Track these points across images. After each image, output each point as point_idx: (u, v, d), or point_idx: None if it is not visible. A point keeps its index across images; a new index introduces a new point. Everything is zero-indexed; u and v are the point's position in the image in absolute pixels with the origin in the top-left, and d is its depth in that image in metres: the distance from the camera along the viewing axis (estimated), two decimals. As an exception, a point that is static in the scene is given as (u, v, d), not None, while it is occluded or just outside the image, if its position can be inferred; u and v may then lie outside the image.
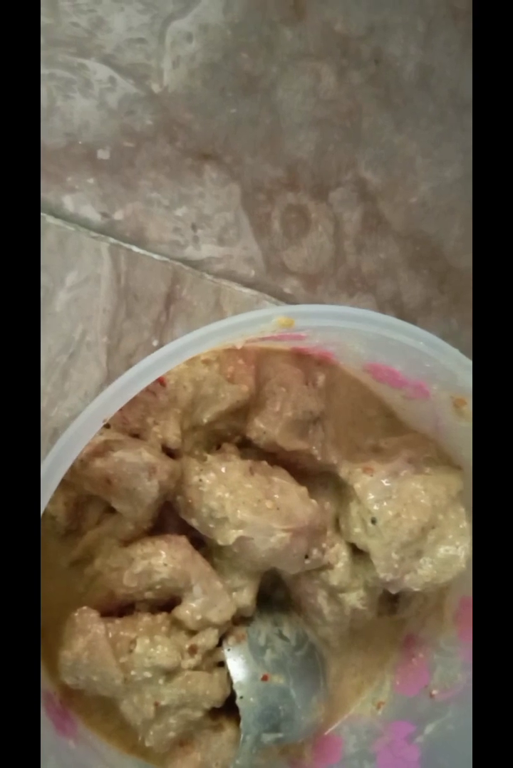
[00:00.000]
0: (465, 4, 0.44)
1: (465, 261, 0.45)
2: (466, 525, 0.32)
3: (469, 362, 0.28)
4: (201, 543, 0.31)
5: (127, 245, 0.36)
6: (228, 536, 0.29)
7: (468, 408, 0.31)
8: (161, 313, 0.36)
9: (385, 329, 0.27)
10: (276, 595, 0.34)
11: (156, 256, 0.36)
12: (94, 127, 0.35)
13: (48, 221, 0.35)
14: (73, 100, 0.35)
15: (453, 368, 0.28)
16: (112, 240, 0.36)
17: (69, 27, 0.35)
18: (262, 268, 0.39)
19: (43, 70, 0.35)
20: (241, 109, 0.38)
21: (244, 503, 0.29)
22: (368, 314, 0.26)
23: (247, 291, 0.38)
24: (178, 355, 0.23)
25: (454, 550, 0.32)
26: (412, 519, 0.31)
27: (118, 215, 0.36)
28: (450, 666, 0.36)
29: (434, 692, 0.36)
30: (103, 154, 0.36)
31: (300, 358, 0.34)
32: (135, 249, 0.36)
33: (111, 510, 0.30)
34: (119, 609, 0.31)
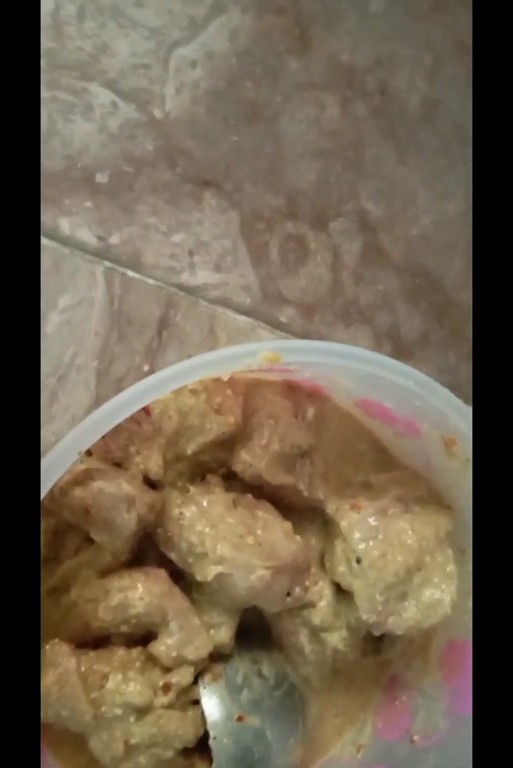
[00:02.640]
0: (471, 40, 0.44)
1: (465, 295, 0.44)
2: (452, 568, 0.32)
3: (460, 402, 0.28)
4: (180, 577, 0.31)
5: (122, 269, 0.36)
6: (207, 572, 0.28)
7: (458, 448, 0.30)
8: (153, 338, 0.36)
9: (374, 367, 0.26)
10: (256, 632, 0.34)
11: (151, 281, 0.36)
12: (94, 150, 0.36)
13: (44, 243, 0.35)
14: (74, 123, 0.35)
15: (443, 408, 0.28)
16: (107, 263, 0.35)
17: (73, 51, 0.35)
18: (258, 297, 0.39)
19: (45, 93, 0.35)
20: (244, 137, 0.38)
21: (225, 538, 0.28)
22: (357, 351, 0.26)
23: (242, 318, 0.38)
24: (158, 388, 0.22)
25: (439, 594, 0.31)
26: (397, 560, 0.31)
27: (114, 239, 0.36)
28: (433, 711, 0.35)
29: (415, 737, 0.35)
30: (101, 178, 0.36)
31: (291, 389, 0.33)
32: (130, 273, 0.36)
33: (90, 540, 0.30)
34: (95, 641, 0.30)
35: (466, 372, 0.44)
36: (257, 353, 0.24)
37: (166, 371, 0.23)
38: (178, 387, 0.23)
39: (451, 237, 0.44)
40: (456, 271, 0.44)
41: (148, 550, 0.31)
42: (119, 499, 0.27)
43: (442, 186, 0.44)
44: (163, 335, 0.36)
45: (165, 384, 0.23)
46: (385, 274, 0.42)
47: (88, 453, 0.29)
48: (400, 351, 0.44)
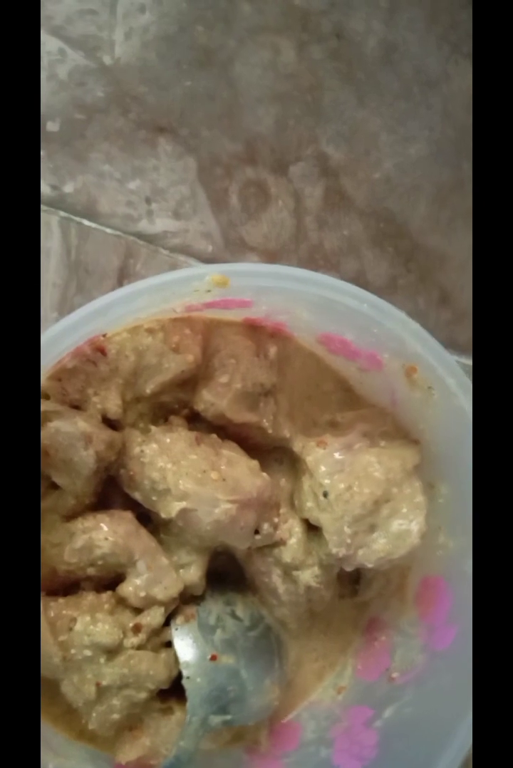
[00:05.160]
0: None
1: (432, 240, 0.44)
2: (420, 499, 0.32)
3: (416, 325, 0.28)
4: (148, 520, 0.31)
5: (77, 218, 0.35)
6: (170, 508, 0.28)
7: (419, 376, 0.30)
8: (114, 288, 0.35)
9: (326, 290, 0.26)
10: (230, 577, 0.34)
11: (108, 230, 0.36)
12: (44, 99, 0.35)
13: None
14: (22, 70, 0.34)
15: (400, 333, 0.28)
16: (62, 213, 0.35)
17: (18, -3, 0.35)
18: (220, 244, 0.38)
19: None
20: (198, 82, 0.38)
21: (188, 474, 0.28)
22: (308, 274, 0.26)
23: (204, 266, 0.38)
24: (102, 312, 0.22)
25: (407, 524, 0.31)
26: (364, 492, 0.31)
27: (68, 188, 0.35)
28: (410, 648, 0.35)
29: (394, 675, 0.35)
30: (52, 127, 0.35)
31: (252, 330, 0.33)
32: (86, 222, 0.35)
33: (54, 486, 0.29)
34: (64, 588, 0.30)
35: (435, 317, 0.44)
36: (204, 276, 0.24)
37: (110, 295, 0.22)
38: (125, 312, 0.23)
39: (414, 181, 0.44)
40: (421, 216, 0.44)
41: (113, 495, 0.31)
42: (76, 438, 0.27)
43: (405, 129, 0.44)
44: (123, 285, 0.36)
45: (110, 307, 0.22)
46: (349, 219, 0.42)
47: (46, 396, 0.28)
48: (368, 297, 0.44)
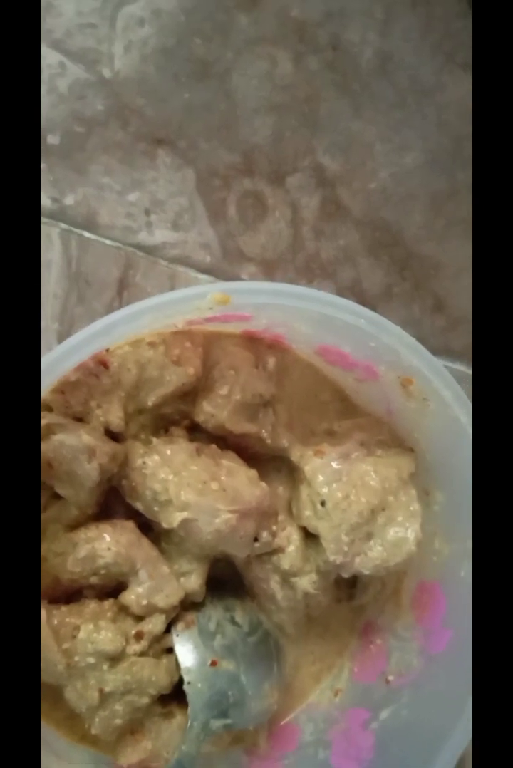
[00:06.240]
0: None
1: (426, 248, 0.45)
2: (416, 507, 0.32)
3: (412, 339, 0.28)
4: (149, 529, 0.31)
5: (78, 230, 0.36)
6: (172, 519, 0.29)
7: (415, 387, 0.30)
8: (114, 299, 0.36)
9: (325, 307, 0.27)
10: (229, 583, 0.34)
11: (108, 242, 0.36)
12: (44, 112, 0.35)
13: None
14: (22, 84, 0.35)
15: (396, 346, 0.28)
16: (62, 225, 0.35)
17: (18, 11, 0.35)
18: (218, 254, 0.39)
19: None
20: (196, 94, 0.38)
21: (189, 485, 0.29)
22: (307, 291, 0.26)
23: (203, 277, 0.38)
24: (106, 332, 0.23)
25: (403, 532, 0.32)
26: (361, 501, 0.31)
27: (68, 200, 0.35)
28: (406, 651, 0.36)
29: (390, 678, 0.36)
30: (53, 140, 0.35)
31: (251, 341, 0.34)
32: (86, 234, 0.36)
33: (57, 496, 0.30)
34: (66, 596, 0.31)
35: (429, 324, 0.45)
36: (206, 295, 0.24)
37: (113, 315, 0.23)
38: (129, 331, 0.23)
39: (409, 190, 0.44)
40: (416, 224, 0.44)
41: (115, 504, 0.31)
42: (80, 450, 0.27)
43: (400, 139, 0.44)
44: (123, 296, 0.36)
45: (113, 326, 0.23)
46: (345, 229, 0.42)
47: (49, 409, 0.29)
48: (364, 305, 0.44)
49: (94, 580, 0.29)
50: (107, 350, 0.28)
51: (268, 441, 0.32)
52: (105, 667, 0.29)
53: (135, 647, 0.29)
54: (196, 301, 0.25)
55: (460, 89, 0.45)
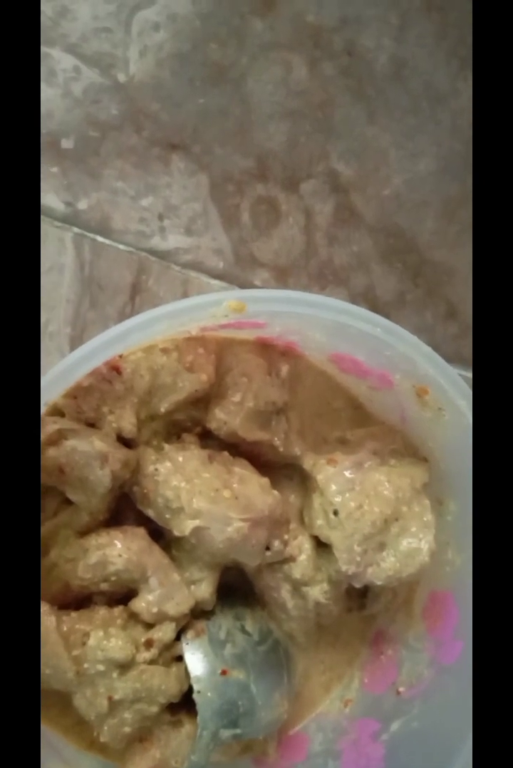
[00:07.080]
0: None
1: (439, 254, 0.44)
2: (430, 517, 0.32)
3: (428, 349, 0.28)
4: (160, 535, 0.31)
5: (91, 235, 0.35)
6: (184, 526, 0.29)
7: (430, 397, 0.30)
8: (126, 304, 0.36)
9: (340, 315, 0.26)
10: (239, 591, 0.34)
11: (121, 246, 0.36)
12: (59, 116, 0.35)
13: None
14: (37, 88, 0.35)
15: (412, 355, 0.28)
16: (76, 229, 0.35)
17: (34, 15, 0.35)
18: (231, 260, 0.39)
19: (6, 58, 0.34)
20: (210, 99, 0.38)
21: (201, 492, 0.29)
22: (323, 300, 0.26)
23: (215, 282, 0.38)
24: (121, 338, 0.22)
25: (417, 543, 0.31)
26: (374, 511, 0.31)
27: (82, 205, 0.35)
28: (417, 662, 0.36)
29: (401, 689, 0.35)
30: (67, 144, 0.35)
31: (264, 348, 0.33)
32: (100, 239, 0.36)
33: (68, 501, 0.30)
34: (77, 602, 0.31)
35: (442, 331, 0.45)
36: (222, 302, 0.24)
37: (128, 322, 0.23)
38: (143, 338, 0.23)
39: (423, 196, 0.44)
40: (429, 231, 0.44)
41: (126, 510, 0.31)
42: (92, 456, 0.27)
43: (413, 145, 0.44)
44: (135, 301, 0.36)
45: (128, 333, 0.23)
46: (358, 235, 0.42)
47: (61, 414, 0.29)
48: (377, 311, 0.43)
49: (104, 586, 0.29)
50: (120, 356, 0.28)
51: (281, 449, 0.32)
52: (115, 674, 0.29)
53: (145, 655, 0.29)
54: (212, 309, 0.24)
55: (475, 95, 0.45)
